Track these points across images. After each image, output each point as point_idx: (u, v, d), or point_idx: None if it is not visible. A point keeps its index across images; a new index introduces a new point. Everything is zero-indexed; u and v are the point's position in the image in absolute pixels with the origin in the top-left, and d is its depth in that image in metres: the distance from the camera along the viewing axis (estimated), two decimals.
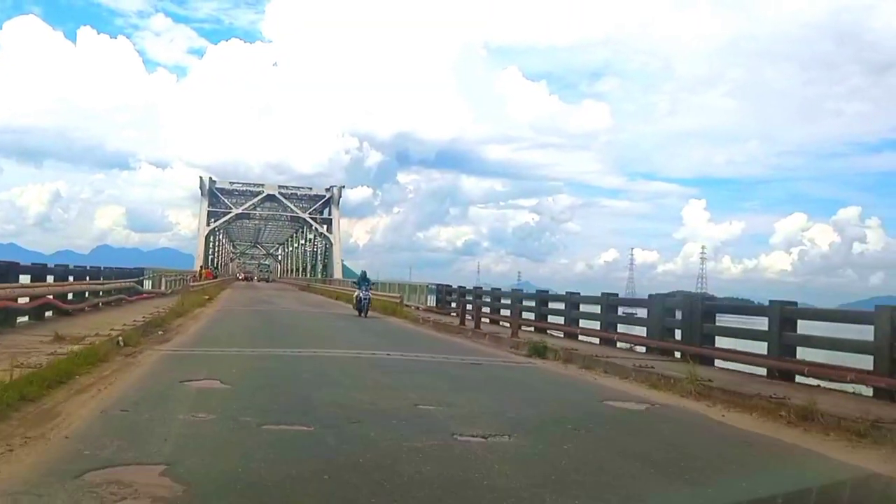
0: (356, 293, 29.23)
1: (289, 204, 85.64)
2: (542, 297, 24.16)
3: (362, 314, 28.03)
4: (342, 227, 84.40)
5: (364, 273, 30.90)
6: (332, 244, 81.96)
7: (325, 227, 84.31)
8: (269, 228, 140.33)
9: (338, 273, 76.68)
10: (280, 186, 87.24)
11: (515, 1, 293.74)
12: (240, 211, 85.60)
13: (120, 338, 14.74)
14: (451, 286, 35.48)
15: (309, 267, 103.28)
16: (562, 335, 21.29)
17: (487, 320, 25.90)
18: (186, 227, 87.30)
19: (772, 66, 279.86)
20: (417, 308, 34.98)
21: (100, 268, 24.12)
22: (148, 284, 33.46)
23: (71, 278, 21.42)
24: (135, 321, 18.61)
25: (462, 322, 24.65)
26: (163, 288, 34.74)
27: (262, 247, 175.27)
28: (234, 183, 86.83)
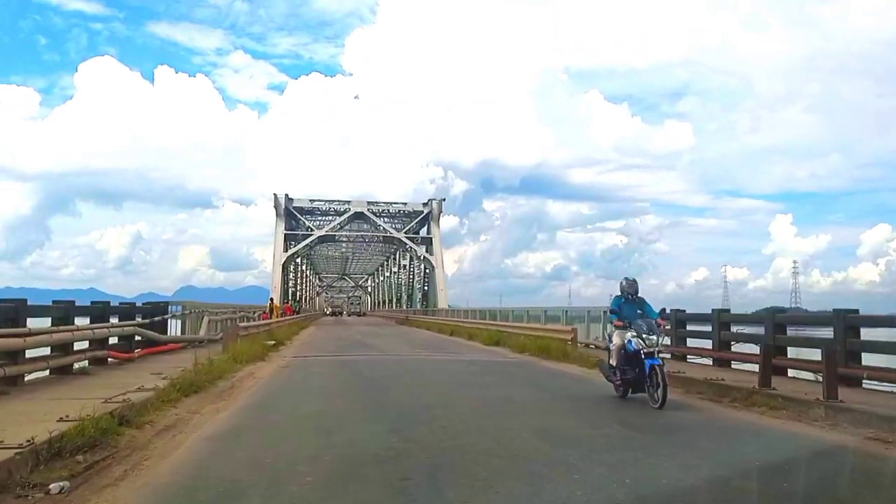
0: (617, 336, 11.55)
1: (380, 222, 73.14)
2: None
3: (652, 394, 10.59)
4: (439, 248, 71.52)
5: (633, 286, 11.91)
6: (433, 267, 69.10)
7: (423, 248, 71.60)
8: (357, 259, 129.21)
9: (442, 302, 63.60)
10: (369, 203, 74.10)
11: (593, 25, 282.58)
12: (323, 233, 73.31)
13: None
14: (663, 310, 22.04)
15: (405, 296, 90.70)
16: None
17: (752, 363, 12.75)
18: (272, 263, 76.60)
19: (846, 81, 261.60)
20: (590, 346, 22.03)
21: (19, 303, 11.73)
22: (175, 327, 21.23)
23: None
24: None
25: (766, 381, 11.49)
26: (202, 332, 22.50)
27: (350, 278, 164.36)
28: (315, 201, 74.17)
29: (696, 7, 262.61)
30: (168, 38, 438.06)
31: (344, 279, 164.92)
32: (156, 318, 18.62)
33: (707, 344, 17.40)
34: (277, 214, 68.64)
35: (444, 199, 73.85)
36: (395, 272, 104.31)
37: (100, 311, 15.18)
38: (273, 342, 23.06)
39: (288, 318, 48.58)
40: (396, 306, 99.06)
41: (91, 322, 14.82)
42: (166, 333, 20.12)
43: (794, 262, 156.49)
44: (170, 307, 20.63)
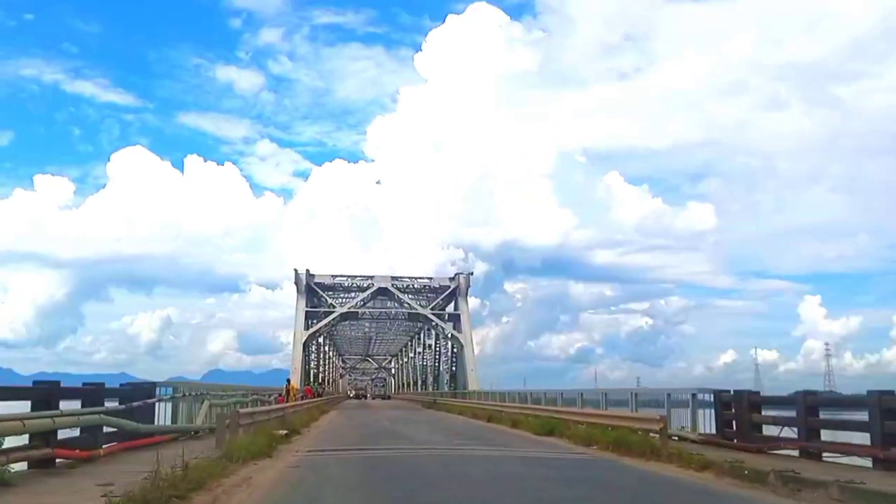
0: None
1: (404, 298, 69.29)
2: None
3: None
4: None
5: None
6: (461, 345, 64.50)
7: (450, 325, 67.37)
8: (380, 340, 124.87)
9: (472, 383, 58.75)
10: (393, 278, 70.61)
11: (609, 108, 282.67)
12: (345, 310, 68.85)
13: None
14: (757, 393, 17.82)
15: (430, 378, 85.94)
16: None
17: None
18: (293, 342, 72.21)
19: (871, 160, 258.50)
20: (674, 437, 17.84)
21: None
22: (165, 413, 17.36)
23: None
24: None
25: None
26: (199, 420, 18.57)
27: (373, 360, 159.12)
28: (336, 276, 70.46)
29: (713, 88, 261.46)
30: (197, 127, 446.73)
31: (367, 360, 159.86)
32: (135, 403, 14.72)
33: (850, 437, 13.25)
34: (298, 291, 64.94)
35: (472, 273, 69.58)
36: (419, 353, 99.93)
37: (43, 393, 11.30)
38: (285, 431, 19.05)
39: (308, 401, 44.59)
40: (422, 388, 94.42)
41: (32, 408, 11.01)
42: (153, 422, 16.23)
43: (827, 344, 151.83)
44: (157, 389, 16.78)
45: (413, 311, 67.73)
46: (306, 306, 63.72)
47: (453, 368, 69.65)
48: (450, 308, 67.70)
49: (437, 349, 79.97)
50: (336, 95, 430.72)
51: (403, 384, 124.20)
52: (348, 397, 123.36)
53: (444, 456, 16.07)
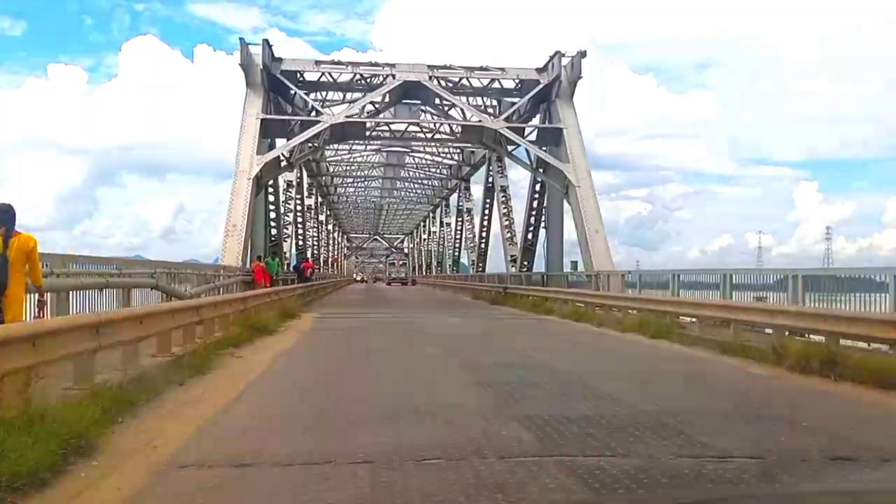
0: None
1: (452, 99, 34.74)
2: None
3: None
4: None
5: None
6: (570, 185, 30.92)
7: (535, 148, 33.98)
8: (394, 211, 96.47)
9: (602, 258, 28.26)
10: (431, 67, 34.68)
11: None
12: (341, 119, 33.50)
13: None
14: None
15: (471, 255, 55.43)
16: None
17: None
18: (234, 173, 42.73)
19: (875, 52, 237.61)
20: None
21: None
22: None
23: None
24: None
25: None
26: None
27: (382, 239, 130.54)
28: (323, 63, 35.69)
29: None
30: (206, 17, 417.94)
31: (376, 240, 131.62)
32: None
33: None
34: (249, 83, 32.02)
35: (584, 54, 33.83)
36: (447, 224, 71.27)
37: None
38: None
39: (261, 293, 17.22)
40: (451, 270, 66.11)
41: None
42: None
43: (828, 227, 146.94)
44: None
45: (470, 122, 35.55)
46: (267, 112, 32.23)
47: (528, 236, 38.96)
48: (539, 120, 36.01)
49: (488, 205, 48.30)
50: None
51: (424, 266, 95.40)
52: (354, 281, 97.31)
53: None
